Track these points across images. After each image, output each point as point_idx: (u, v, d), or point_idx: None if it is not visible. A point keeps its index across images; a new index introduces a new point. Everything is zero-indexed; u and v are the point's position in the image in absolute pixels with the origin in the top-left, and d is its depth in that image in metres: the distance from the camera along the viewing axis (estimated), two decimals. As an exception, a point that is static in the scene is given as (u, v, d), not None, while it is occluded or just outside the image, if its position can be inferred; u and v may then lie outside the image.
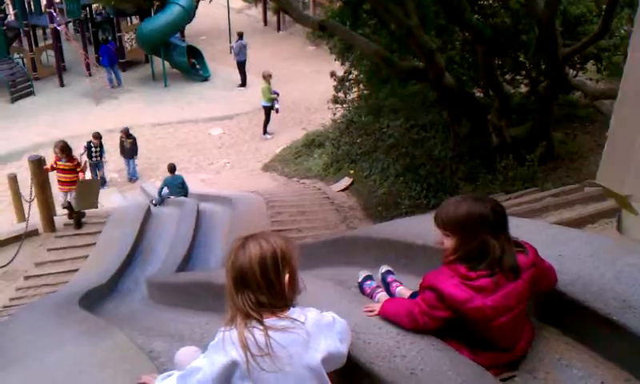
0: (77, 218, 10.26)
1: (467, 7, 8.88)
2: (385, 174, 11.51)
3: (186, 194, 12.35)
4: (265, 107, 17.32)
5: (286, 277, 2.15)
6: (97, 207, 10.58)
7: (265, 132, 17.78)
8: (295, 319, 2.11)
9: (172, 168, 12.60)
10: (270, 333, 2.05)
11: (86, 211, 10.53)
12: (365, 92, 12.82)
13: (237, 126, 18.94)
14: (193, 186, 13.27)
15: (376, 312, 2.49)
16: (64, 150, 9.77)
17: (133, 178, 15.57)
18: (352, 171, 12.52)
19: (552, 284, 2.40)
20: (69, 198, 10.01)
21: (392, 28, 9.60)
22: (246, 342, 2.04)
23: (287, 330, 2.08)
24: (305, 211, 10.90)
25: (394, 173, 11.25)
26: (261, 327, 2.06)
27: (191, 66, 22.12)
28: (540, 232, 3.15)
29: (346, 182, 12.31)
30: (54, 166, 9.96)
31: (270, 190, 12.75)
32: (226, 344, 2.09)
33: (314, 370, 2.12)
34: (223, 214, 10.73)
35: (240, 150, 17.31)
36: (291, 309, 2.15)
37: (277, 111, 17.26)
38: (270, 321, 2.08)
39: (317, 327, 2.16)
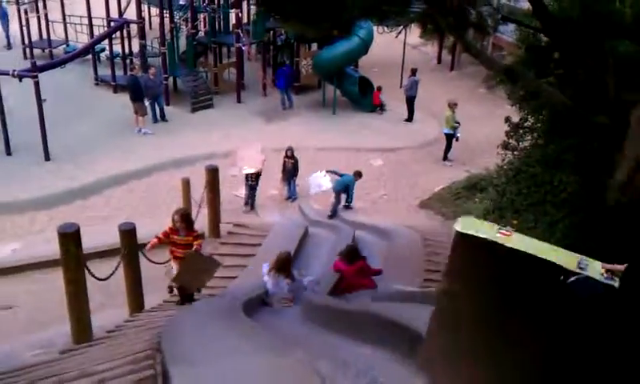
0: (182, 299, 8.05)
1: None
2: (552, 229, 10.86)
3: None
4: (446, 135, 18.12)
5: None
6: (202, 287, 8.17)
7: (445, 158, 18.41)
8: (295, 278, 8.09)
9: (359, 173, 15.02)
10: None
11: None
12: (539, 141, 12.23)
13: (398, 160, 18.93)
14: (350, 213, 13.44)
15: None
16: (185, 219, 7.86)
17: (292, 197, 16.00)
18: (515, 221, 11.96)
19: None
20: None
21: (580, 79, 9.10)
22: (276, 278, 7.76)
23: (288, 283, 7.89)
24: (462, 256, 10.54)
25: (562, 229, 10.57)
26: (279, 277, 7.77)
27: (379, 106, 22.60)
28: None
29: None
30: (165, 238, 7.96)
31: (427, 228, 12.54)
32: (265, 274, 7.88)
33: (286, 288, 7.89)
34: (379, 245, 10.69)
35: (398, 183, 17.24)
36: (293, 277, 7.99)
37: (457, 139, 18.16)
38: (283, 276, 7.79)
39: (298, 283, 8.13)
